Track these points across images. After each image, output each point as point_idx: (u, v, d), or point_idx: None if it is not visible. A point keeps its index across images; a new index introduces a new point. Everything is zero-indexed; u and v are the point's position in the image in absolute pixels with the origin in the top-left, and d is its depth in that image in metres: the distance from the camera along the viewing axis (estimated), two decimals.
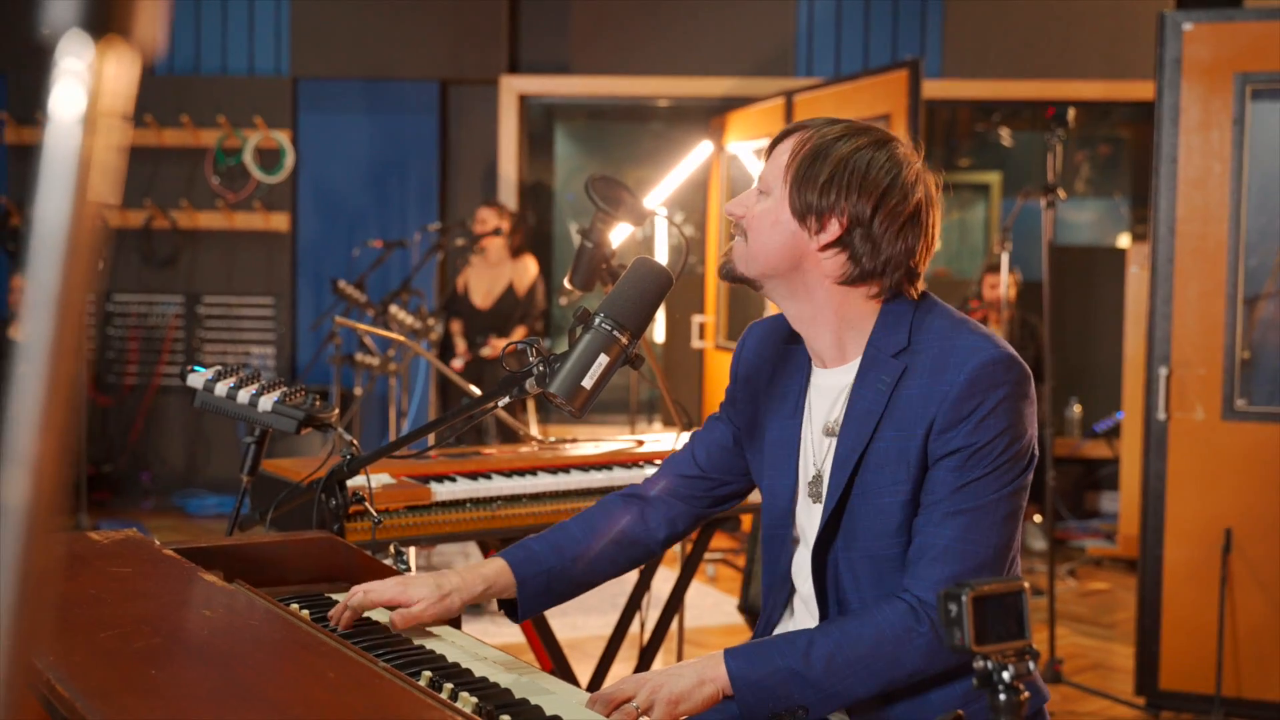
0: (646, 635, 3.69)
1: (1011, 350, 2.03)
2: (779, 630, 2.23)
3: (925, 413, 2.00)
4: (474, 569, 2.20)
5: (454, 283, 7.91)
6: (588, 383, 1.92)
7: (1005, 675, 1.25)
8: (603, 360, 1.92)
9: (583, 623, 5.82)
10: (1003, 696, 1.24)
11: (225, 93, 8.91)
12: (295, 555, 2.30)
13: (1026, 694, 1.25)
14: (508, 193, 8.82)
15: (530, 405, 7.75)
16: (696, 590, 6.59)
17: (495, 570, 2.20)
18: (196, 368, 2.59)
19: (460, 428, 2.25)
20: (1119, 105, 9.91)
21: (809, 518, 2.17)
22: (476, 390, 3.76)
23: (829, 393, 2.15)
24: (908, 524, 2.03)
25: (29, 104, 8.86)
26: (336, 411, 2.55)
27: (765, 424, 2.24)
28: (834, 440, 2.11)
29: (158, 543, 2.13)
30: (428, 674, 1.77)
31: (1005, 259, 7.47)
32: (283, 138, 8.86)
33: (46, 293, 0.54)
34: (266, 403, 2.50)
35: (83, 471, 7.69)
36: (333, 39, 8.93)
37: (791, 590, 2.23)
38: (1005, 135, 11.81)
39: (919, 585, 1.98)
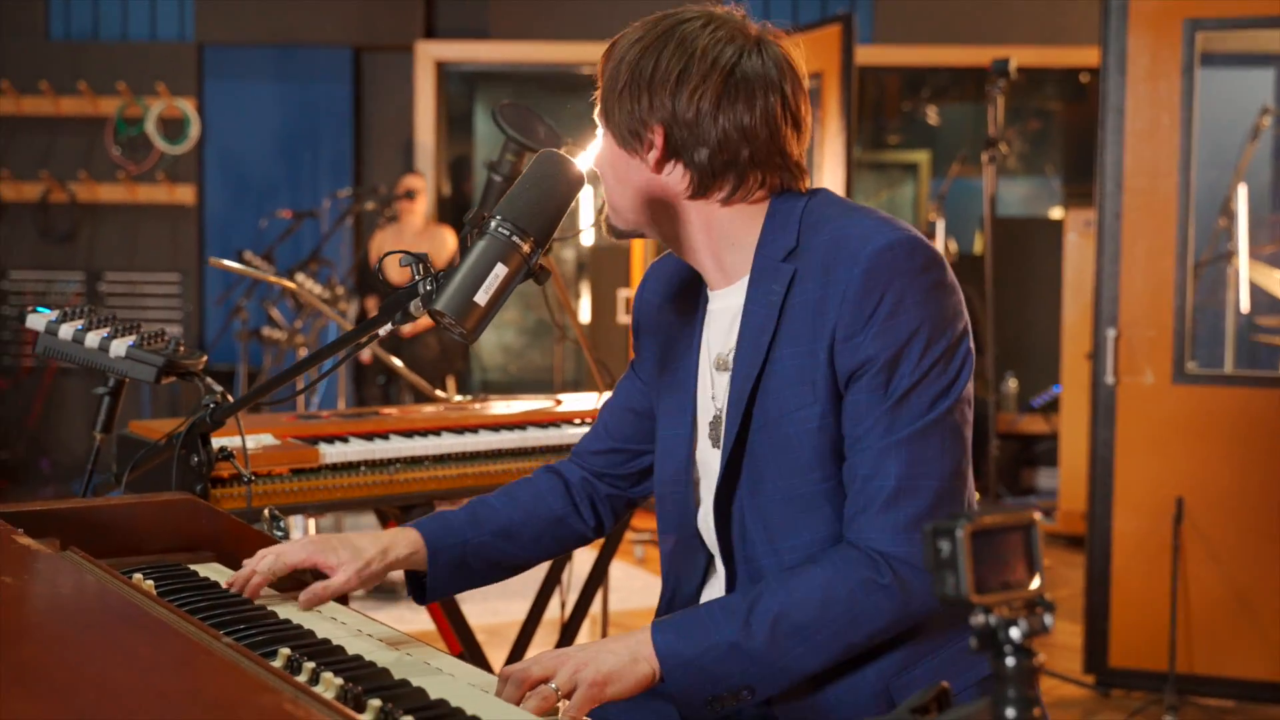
0: (567, 614, 3.38)
1: (915, 232, 1.71)
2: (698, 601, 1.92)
3: (823, 320, 1.69)
4: (389, 535, 1.90)
5: (365, 256, 7.56)
6: (481, 298, 1.59)
7: (1014, 633, 0.95)
8: (500, 271, 1.59)
9: (504, 608, 5.50)
10: (1011, 661, 0.95)
11: (126, 59, 8.47)
12: (149, 520, 1.96)
13: (1041, 657, 0.95)
14: (425, 163, 8.46)
15: (451, 386, 7.44)
16: (624, 572, 6.30)
17: (411, 539, 1.90)
18: (39, 309, 2.24)
19: (339, 362, 1.92)
20: (1049, 79, 9.73)
21: (709, 466, 1.86)
22: (396, 361, 3.45)
23: (722, 318, 1.86)
24: (821, 456, 1.72)
25: None
26: (205, 359, 2.21)
27: (666, 369, 1.95)
28: (729, 374, 1.82)
29: None
30: (285, 652, 1.44)
31: (940, 227, 7.24)
32: (187, 106, 8.45)
33: None
34: (119, 347, 2.16)
35: None
36: (240, 2, 8.52)
37: (707, 555, 1.91)
38: (933, 114, 11.60)
39: (877, 536, 1.67)
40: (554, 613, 3.81)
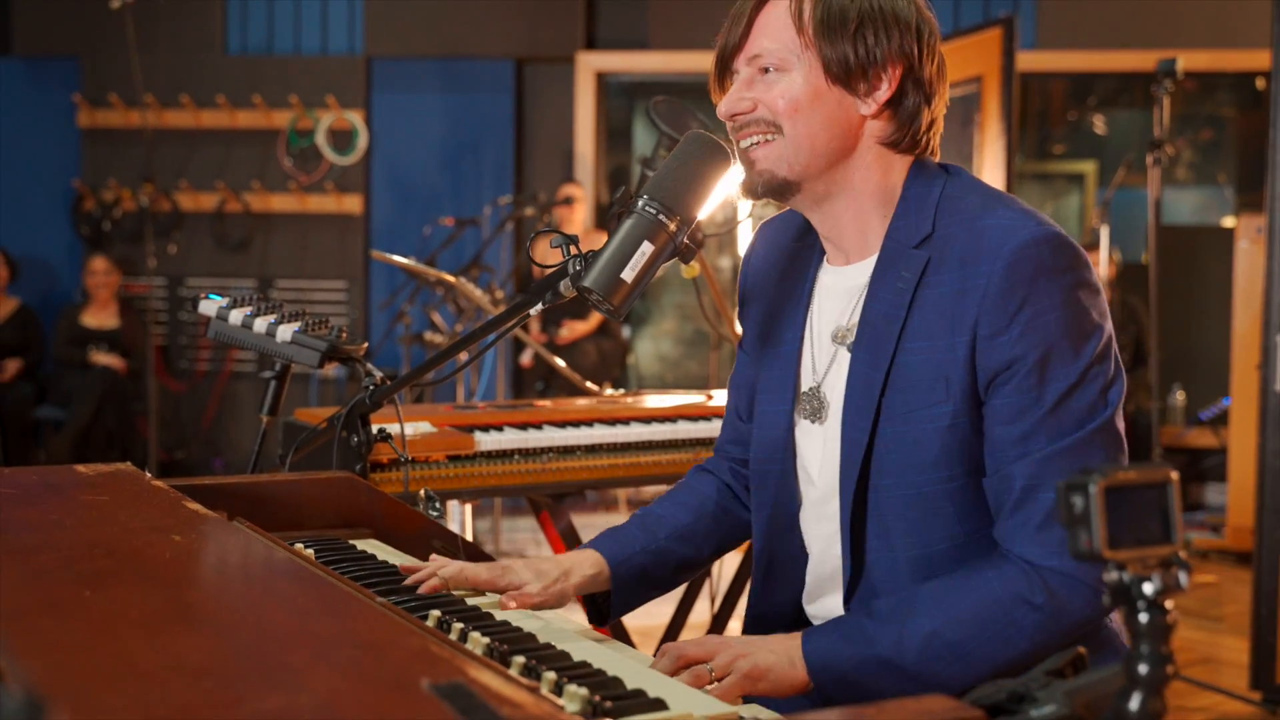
0: (717, 606, 3.40)
1: (1055, 226, 1.64)
2: (781, 593, 1.89)
3: (962, 316, 1.63)
4: (568, 557, 1.86)
5: (526, 264, 7.67)
6: (628, 275, 1.63)
7: (1147, 589, 0.95)
8: (646, 249, 1.63)
9: (655, 610, 5.50)
10: (1144, 617, 0.94)
11: (298, 73, 8.75)
12: (311, 496, 2.04)
13: (1174, 615, 0.95)
14: (585, 172, 8.57)
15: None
16: None
17: (593, 559, 1.87)
18: (211, 295, 2.34)
19: (495, 339, 1.98)
20: (1222, 85, 9.46)
21: (810, 444, 1.81)
22: (559, 361, 3.51)
23: (841, 295, 1.79)
24: (949, 455, 1.66)
25: (103, 86, 8.76)
26: (366, 345, 2.29)
27: (768, 342, 1.89)
28: (840, 349, 1.76)
29: (149, 476, 1.89)
30: (436, 613, 1.49)
31: (1105, 233, 7.09)
32: (356, 118, 8.68)
33: None
34: (285, 332, 2.25)
35: (154, 457, 7.53)
36: (407, 17, 8.74)
37: (800, 542, 1.87)
38: (1100, 122, 11.35)
39: (1040, 552, 1.61)
40: (700, 616, 3.84)
